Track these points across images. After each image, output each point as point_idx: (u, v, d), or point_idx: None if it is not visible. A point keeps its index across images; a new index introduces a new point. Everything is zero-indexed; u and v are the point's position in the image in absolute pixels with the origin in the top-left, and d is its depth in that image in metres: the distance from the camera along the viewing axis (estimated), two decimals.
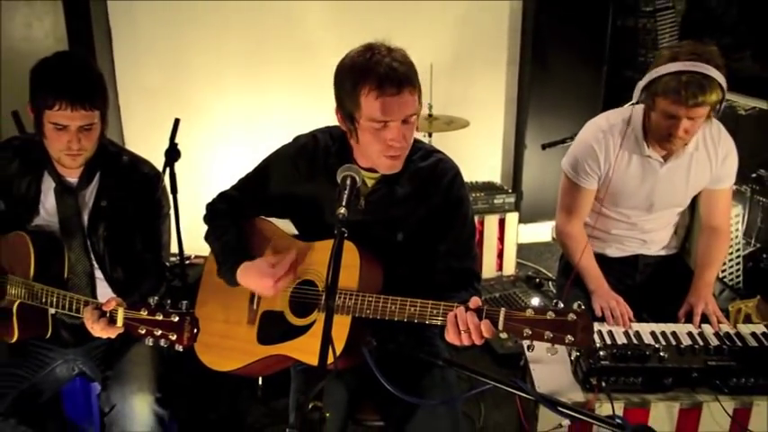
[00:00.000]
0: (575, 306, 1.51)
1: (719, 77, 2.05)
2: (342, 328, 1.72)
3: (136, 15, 3.80)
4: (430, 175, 1.91)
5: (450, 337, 1.63)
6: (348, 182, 1.65)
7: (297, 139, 2.01)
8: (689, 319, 2.24)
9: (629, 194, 2.38)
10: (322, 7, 3.96)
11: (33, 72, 1.95)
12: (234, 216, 2.04)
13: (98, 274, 2.15)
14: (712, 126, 2.31)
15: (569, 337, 1.47)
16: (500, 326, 1.56)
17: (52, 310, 2.02)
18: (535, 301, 1.41)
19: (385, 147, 1.77)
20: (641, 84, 2.15)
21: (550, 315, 1.51)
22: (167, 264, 2.25)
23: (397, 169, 1.83)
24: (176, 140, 2.53)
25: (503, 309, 1.57)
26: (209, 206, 2.09)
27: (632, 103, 2.22)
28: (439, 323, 1.65)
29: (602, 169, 2.34)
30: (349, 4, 3.95)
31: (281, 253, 1.93)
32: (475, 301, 1.62)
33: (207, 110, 3.99)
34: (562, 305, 1.53)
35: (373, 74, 1.70)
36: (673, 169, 2.32)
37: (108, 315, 1.84)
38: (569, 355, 2.02)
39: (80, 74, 1.95)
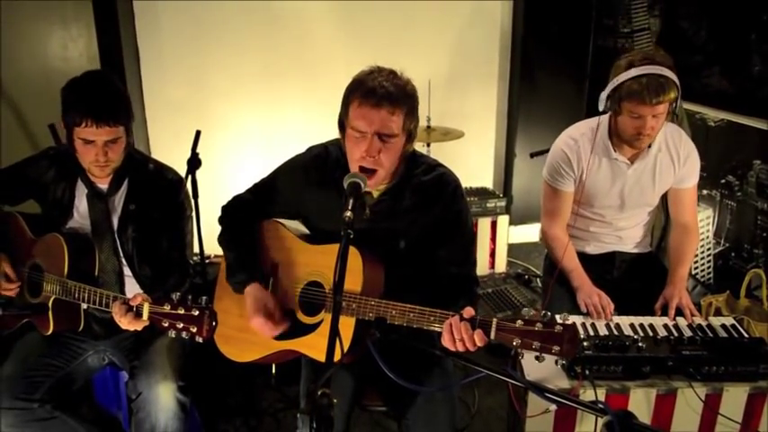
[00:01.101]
0: (561, 317, 1.50)
1: (673, 76, 2.08)
2: (347, 328, 1.71)
3: (161, 37, 3.81)
4: (432, 188, 1.89)
5: (446, 343, 1.62)
6: (353, 187, 1.64)
7: (310, 149, 2.00)
8: (665, 312, 2.23)
9: (602, 195, 2.39)
10: (332, 30, 3.97)
11: (64, 91, 1.95)
12: (247, 219, 2.03)
13: (126, 271, 2.14)
14: (673, 130, 2.33)
15: (556, 348, 1.47)
16: (492, 335, 1.55)
17: (84, 305, 2.02)
18: (526, 310, 1.41)
19: (359, 157, 1.76)
20: (605, 93, 2.18)
21: (539, 326, 1.49)
22: (191, 262, 2.24)
23: (373, 186, 1.81)
24: (198, 150, 2.52)
25: (494, 319, 1.56)
26: (224, 208, 2.08)
27: (601, 112, 2.23)
28: (435, 329, 1.64)
29: (576, 173, 2.35)
30: (356, 27, 3.97)
31: (289, 254, 1.93)
32: (468, 311, 1.60)
33: (226, 123, 3.99)
34: (550, 315, 1.51)
35: (363, 86, 1.73)
36: (639, 170, 2.33)
37: (135, 309, 1.83)
38: None
39: (104, 93, 1.95)
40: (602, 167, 2.34)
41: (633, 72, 2.08)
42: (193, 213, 2.24)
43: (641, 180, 2.35)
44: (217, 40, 3.86)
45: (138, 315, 1.82)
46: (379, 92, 1.70)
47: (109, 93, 1.96)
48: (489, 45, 4.31)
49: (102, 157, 1.96)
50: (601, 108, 2.20)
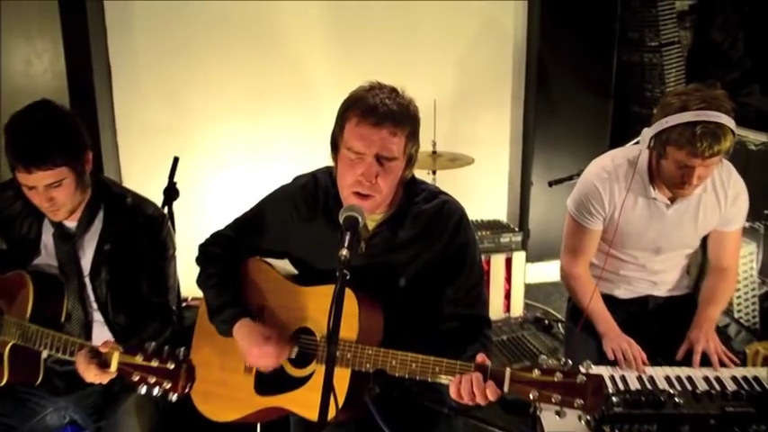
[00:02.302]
0: (584, 365, 1.48)
1: (731, 123, 2.05)
2: (342, 381, 1.70)
3: (137, 53, 3.87)
4: (434, 217, 1.89)
5: (454, 396, 1.61)
6: (351, 222, 1.63)
7: (297, 179, 2.01)
8: (689, 358, 2.21)
9: (636, 236, 2.38)
10: (324, 48, 4.03)
11: (5, 130, 1.93)
12: (228, 258, 2.02)
13: (98, 316, 2.13)
14: (722, 167, 2.31)
15: (579, 401, 1.44)
16: (505, 387, 1.54)
17: (45, 353, 2.00)
18: (543, 358, 1.40)
19: (354, 181, 1.76)
20: (649, 132, 2.15)
21: (558, 377, 1.47)
22: (174, 308, 2.24)
23: (366, 214, 1.78)
24: (175, 180, 2.54)
25: (508, 369, 1.55)
26: (202, 247, 2.07)
27: (635, 142, 2.22)
28: (442, 381, 1.63)
29: (607, 211, 2.34)
30: (351, 43, 4.04)
31: (277, 297, 1.93)
32: (480, 359, 1.59)
33: (207, 149, 4.04)
34: (571, 363, 1.50)
35: (362, 103, 1.74)
36: (680, 211, 2.32)
37: (101, 359, 1.81)
38: None
39: (38, 134, 1.91)
40: (638, 206, 2.33)
41: (686, 117, 2.04)
42: (177, 252, 2.23)
43: (682, 222, 2.34)
44: (198, 58, 3.92)
45: (105, 365, 1.80)
46: (380, 110, 1.71)
47: (45, 133, 1.91)
48: (501, 61, 4.37)
49: (45, 202, 1.95)
50: (643, 147, 2.19)
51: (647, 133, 2.16)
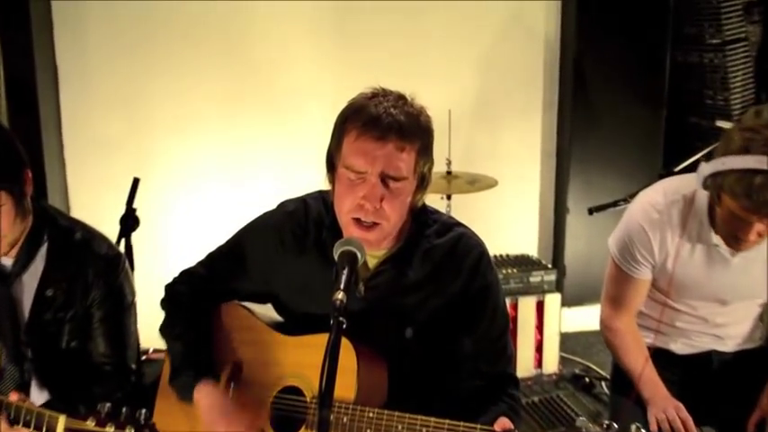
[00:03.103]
0: (633, 428, 1.48)
1: None
2: None
3: (88, 52, 3.90)
4: (449, 254, 1.89)
5: None
6: (348, 259, 1.64)
7: (282, 205, 2.02)
8: (762, 429, 2.21)
9: (694, 287, 2.37)
10: (314, 46, 4.05)
11: None
12: (199, 302, 2.03)
13: (36, 375, 2.12)
14: None
15: None
16: None
17: None
18: (582, 420, 1.39)
19: (355, 206, 1.76)
20: (707, 169, 2.09)
21: None
22: (132, 366, 2.23)
23: (370, 246, 1.79)
24: (135, 205, 2.54)
25: None
26: (169, 288, 2.07)
27: (695, 160, 2.20)
28: None
29: (657, 259, 2.33)
30: (347, 42, 4.06)
31: (258, 350, 1.93)
32: (503, 425, 1.59)
33: (171, 167, 4.04)
34: (616, 427, 1.49)
35: (364, 113, 1.75)
36: (748, 259, 2.28)
37: (22, 424, 1.79)
38: None
39: None
40: (696, 254, 2.30)
41: (747, 162, 1.97)
42: (136, 299, 2.23)
43: (751, 271, 2.30)
44: (162, 58, 3.95)
45: (15, 422, 1.77)
46: (384, 120, 1.73)
47: None
48: (530, 61, 4.37)
49: None
50: (698, 186, 2.15)
51: (704, 170, 2.11)
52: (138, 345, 2.30)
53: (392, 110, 1.75)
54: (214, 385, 1.89)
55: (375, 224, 1.77)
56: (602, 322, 2.51)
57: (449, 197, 3.74)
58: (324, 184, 1.91)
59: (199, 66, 3.97)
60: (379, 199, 1.75)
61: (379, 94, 1.80)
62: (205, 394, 1.87)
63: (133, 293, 2.22)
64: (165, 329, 2.03)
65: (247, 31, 4.01)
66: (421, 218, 1.92)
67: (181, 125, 4.03)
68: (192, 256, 2.11)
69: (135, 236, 2.52)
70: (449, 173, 3.73)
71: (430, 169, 1.85)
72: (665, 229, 2.29)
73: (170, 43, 3.93)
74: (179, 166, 4.05)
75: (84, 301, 2.11)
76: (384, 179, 1.75)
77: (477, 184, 3.70)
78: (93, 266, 2.12)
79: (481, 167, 3.86)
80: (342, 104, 1.84)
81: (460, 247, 1.91)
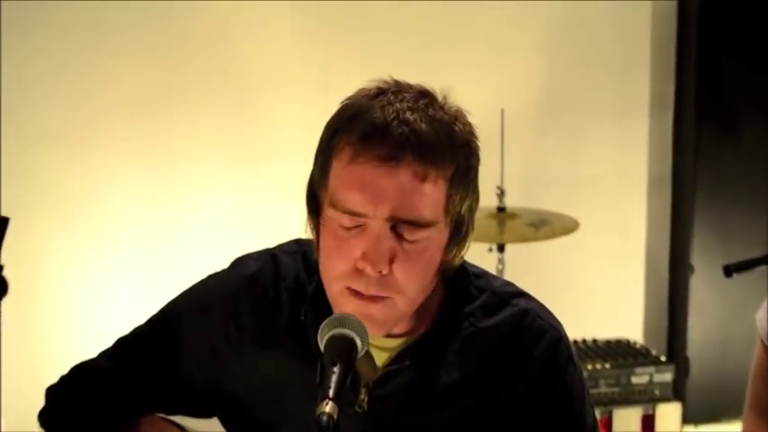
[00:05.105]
0: None
1: None
2: None
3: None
4: (505, 344, 1.63)
5: None
6: (341, 350, 1.36)
7: (239, 264, 1.74)
8: None
9: None
10: (298, 24, 3.54)
11: None
12: (100, 413, 1.71)
13: None
14: None
15: None
16: None
17: None
18: None
19: (350, 270, 1.46)
20: None
21: None
22: None
23: (377, 329, 1.49)
24: (1, 262, 2.18)
25: None
26: (51, 393, 1.75)
27: None
28: None
29: None
30: (349, 21, 3.52)
31: None
32: None
33: (65, 197, 3.49)
34: None
35: (364, 120, 1.45)
36: None
37: None
38: None
39: None
40: None
41: None
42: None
43: None
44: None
45: None
46: (395, 131, 1.44)
47: None
48: (630, 39, 3.75)
49: None
50: None
51: None
52: None
53: (408, 114, 1.45)
54: None
55: (379, 297, 1.47)
56: None
57: (501, 248, 3.22)
58: (305, 231, 1.59)
59: (113, 50, 3.46)
60: (387, 259, 1.44)
61: (389, 91, 1.49)
62: None
63: None
64: None
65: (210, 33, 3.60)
66: (459, 286, 1.62)
67: (78, 134, 3.45)
68: (92, 340, 1.78)
69: (3, 305, 2.21)
70: (501, 209, 3.21)
71: (472, 208, 1.52)
72: None
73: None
74: (75, 194, 3.46)
75: None
76: (396, 226, 1.44)
77: (547, 227, 3.21)
78: None
79: (550, 200, 3.37)
80: (332, 108, 1.50)
81: (523, 331, 1.64)
